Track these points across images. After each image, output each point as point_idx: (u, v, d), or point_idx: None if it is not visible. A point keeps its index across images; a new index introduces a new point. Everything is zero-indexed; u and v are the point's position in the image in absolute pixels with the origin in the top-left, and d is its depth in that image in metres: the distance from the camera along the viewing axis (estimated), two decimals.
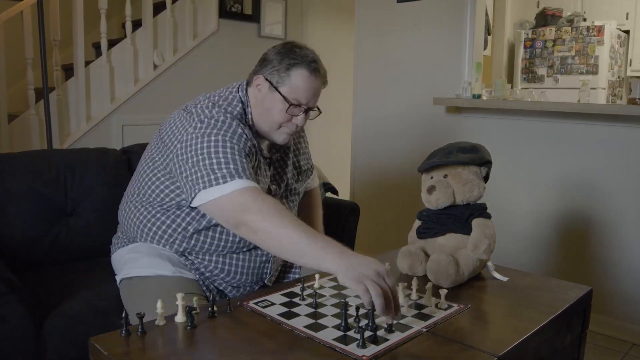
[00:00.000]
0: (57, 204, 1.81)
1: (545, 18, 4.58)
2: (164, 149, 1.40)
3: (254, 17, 3.93)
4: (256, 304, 1.22)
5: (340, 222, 2.31)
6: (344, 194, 3.06)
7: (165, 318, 1.11)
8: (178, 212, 1.41)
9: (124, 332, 1.04)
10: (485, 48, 3.77)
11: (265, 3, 3.97)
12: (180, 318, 1.11)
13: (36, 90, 3.01)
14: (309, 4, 4.32)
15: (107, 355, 0.99)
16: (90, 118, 3.13)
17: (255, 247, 1.45)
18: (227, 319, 1.15)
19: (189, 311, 1.10)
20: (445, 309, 1.21)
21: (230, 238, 1.41)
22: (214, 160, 1.25)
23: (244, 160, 1.28)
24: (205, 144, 1.28)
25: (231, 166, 1.25)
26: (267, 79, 1.38)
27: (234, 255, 1.45)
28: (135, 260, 1.45)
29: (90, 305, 1.53)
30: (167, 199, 1.41)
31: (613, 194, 2.46)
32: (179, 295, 1.12)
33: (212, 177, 1.24)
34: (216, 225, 1.39)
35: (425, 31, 3.09)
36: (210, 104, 1.39)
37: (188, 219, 1.40)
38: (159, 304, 1.09)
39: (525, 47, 4.60)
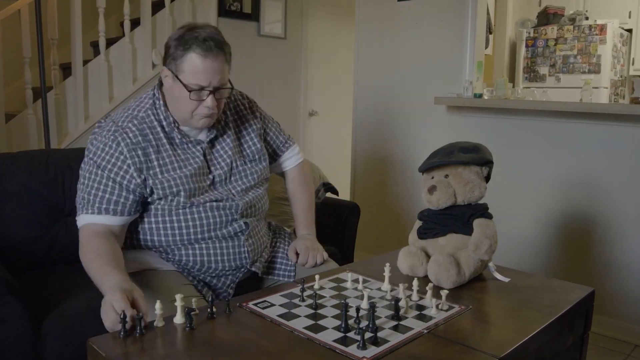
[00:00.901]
0: (55, 204, 1.80)
1: (547, 17, 4.57)
2: None
3: (254, 15, 3.92)
4: (256, 305, 1.21)
5: (340, 222, 2.30)
6: (344, 194, 3.05)
7: (164, 319, 1.10)
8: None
9: (122, 333, 1.03)
10: (486, 47, 3.76)
11: (264, 2, 3.96)
12: (179, 319, 1.11)
13: (34, 89, 3.00)
14: (309, 3, 4.31)
15: (105, 357, 0.98)
16: (88, 117, 3.11)
17: (224, 235, 1.44)
18: (226, 320, 1.14)
19: (187, 312, 1.09)
20: (446, 310, 1.20)
21: (183, 224, 1.41)
22: (85, 194, 1.37)
23: (109, 189, 1.35)
24: (85, 174, 1.38)
25: (90, 201, 1.35)
26: (169, 69, 1.37)
27: (203, 245, 1.44)
28: None
29: (89, 306, 1.51)
30: None
31: (615, 194, 2.45)
32: (178, 297, 1.11)
33: (80, 206, 1.38)
34: (167, 214, 1.41)
35: (426, 30, 3.07)
36: (124, 115, 1.43)
37: (146, 217, 1.42)
38: (157, 305, 1.08)
39: (527, 46, 4.58)
